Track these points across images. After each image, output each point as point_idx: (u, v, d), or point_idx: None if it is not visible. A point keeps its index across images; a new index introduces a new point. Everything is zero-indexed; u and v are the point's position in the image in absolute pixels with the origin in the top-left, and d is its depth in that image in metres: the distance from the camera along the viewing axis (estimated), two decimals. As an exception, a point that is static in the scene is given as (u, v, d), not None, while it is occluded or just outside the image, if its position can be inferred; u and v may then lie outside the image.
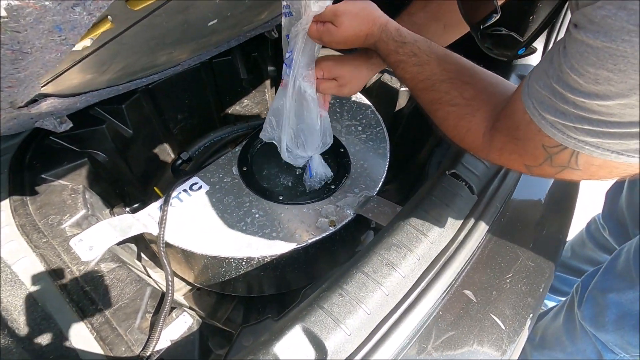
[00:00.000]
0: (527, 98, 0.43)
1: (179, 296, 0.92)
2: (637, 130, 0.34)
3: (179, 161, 1.03)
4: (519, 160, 0.48)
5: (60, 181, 0.79)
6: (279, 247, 0.78)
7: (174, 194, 0.85)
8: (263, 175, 0.93)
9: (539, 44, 0.93)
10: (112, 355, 0.59)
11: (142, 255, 0.91)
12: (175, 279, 0.78)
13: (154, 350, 0.60)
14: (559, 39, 0.88)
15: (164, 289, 0.71)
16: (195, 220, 0.81)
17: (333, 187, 0.88)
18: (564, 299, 1.16)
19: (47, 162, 0.81)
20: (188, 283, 0.94)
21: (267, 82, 1.26)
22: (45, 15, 0.35)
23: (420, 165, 1.15)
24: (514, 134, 0.46)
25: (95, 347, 0.60)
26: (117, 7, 0.47)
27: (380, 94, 1.20)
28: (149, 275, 0.80)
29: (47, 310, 0.62)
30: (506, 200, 0.71)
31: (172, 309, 0.67)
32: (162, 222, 0.78)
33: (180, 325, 0.65)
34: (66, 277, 0.66)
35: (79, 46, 0.48)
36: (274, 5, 0.86)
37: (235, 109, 1.25)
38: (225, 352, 0.64)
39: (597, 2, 0.32)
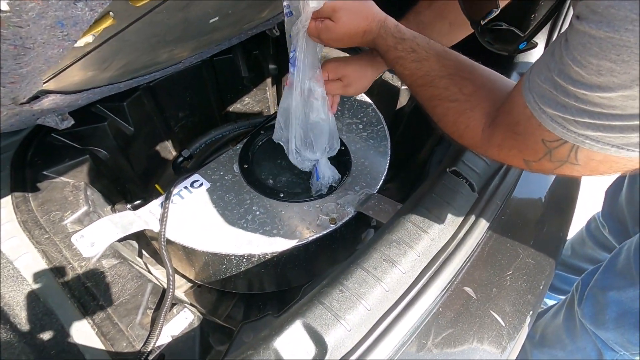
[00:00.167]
0: (528, 92, 0.42)
1: (179, 293, 0.92)
2: (638, 123, 0.34)
3: (180, 158, 1.03)
4: (518, 156, 0.48)
5: (61, 178, 0.80)
6: (279, 245, 0.78)
7: (175, 191, 0.85)
8: (264, 173, 0.93)
9: (540, 39, 0.93)
10: (113, 350, 0.60)
11: (143, 252, 0.91)
12: (176, 276, 0.79)
13: (155, 345, 0.60)
14: (560, 34, 0.88)
15: (165, 286, 0.71)
16: (196, 218, 0.82)
17: (334, 184, 0.89)
18: (563, 297, 1.16)
19: (48, 159, 0.81)
20: (189, 280, 0.94)
21: (268, 80, 1.26)
22: (47, 10, 0.35)
23: (421, 163, 1.15)
24: (513, 129, 0.46)
25: (96, 343, 0.60)
26: (118, 3, 0.47)
27: (381, 92, 1.20)
28: (150, 272, 0.80)
29: (48, 306, 0.62)
30: (507, 197, 0.72)
31: (173, 305, 0.67)
32: (163, 218, 0.78)
33: (181, 321, 0.65)
34: (68, 273, 0.66)
35: (80, 42, 0.48)
36: (275, 3, 0.86)
37: (237, 107, 1.25)
38: (226, 349, 0.65)
39: None
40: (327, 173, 0.85)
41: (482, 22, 0.57)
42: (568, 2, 0.73)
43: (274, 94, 1.29)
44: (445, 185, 0.67)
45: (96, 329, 0.61)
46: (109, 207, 0.86)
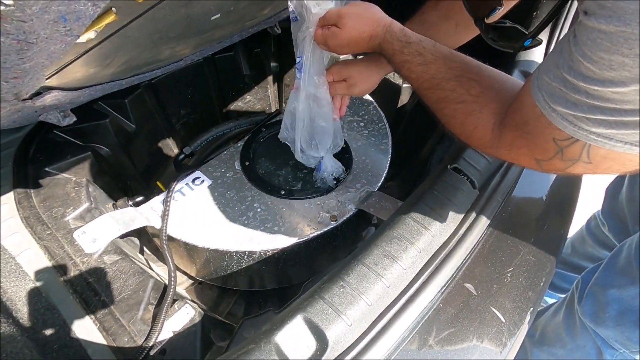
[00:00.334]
0: (537, 91, 0.42)
1: (180, 290, 0.92)
2: None
3: (182, 156, 1.03)
4: (529, 155, 0.47)
5: (64, 174, 0.80)
6: (280, 242, 0.78)
7: (177, 187, 0.86)
8: (265, 170, 0.93)
9: (543, 36, 0.92)
10: (115, 345, 0.60)
11: (145, 249, 0.91)
12: (178, 273, 0.79)
13: (157, 341, 0.61)
14: (563, 31, 0.88)
15: (166, 282, 0.71)
16: (197, 214, 0.82)
17: (335, 182, 0.89)
18: (564, 296, 1.16)
19: (50, 156, 0.82)
20: (190, 277, 0.95)
21: (270, 78, 1.27)
22: (50, 5, 0.35)
23: (422, 162, 1.15)
24: (523, 128, 0.46)
25: (98, 338, 0.60)
26: (121, -1, 0.47)
27: (382, 90, 1.19)
28: (151, 269, 0.81)
29: (51, 301, 0.62)
30: (507, 195, 0.72)
31: (174, 301, 0.67)
32: (164, 215, 0.79)
33: (182, 316, 0.65)
34: (70, 268, 0.67)
35: (83, 38, 0.49)
36: (277, 1, 0.86)
37: (238, 104, 1.25)
38: (227, 344, 0.65)
39: None
40: (330, 166, 0.87)
41: (486, 20, 0.57)
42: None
43: (275, 91, 1.29)
44: (447, 182, 0.67)
45: (98, 324, 0.62)
46: (110, 204, 0.86)
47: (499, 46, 0.58)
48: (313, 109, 0.77)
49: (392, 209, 0.79)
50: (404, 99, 1.20)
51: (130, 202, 0.85)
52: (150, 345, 0.60)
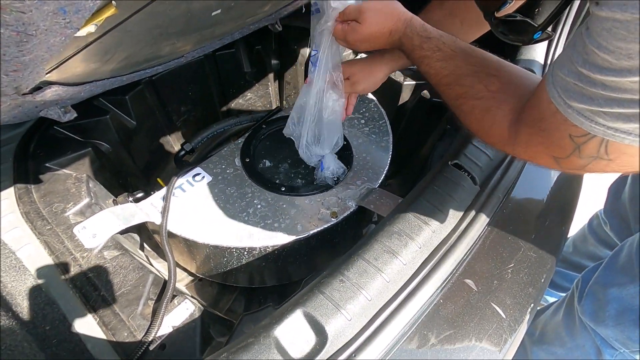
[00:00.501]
0: (552, 87, 0.41)
1: (180, 286, 0.92)
2: None
3: (182, 152, 1.03)
4: (546, 153, 0.47)
5: (64, 170, 0.80)
6: (280, 238, 0.78)
7: (177, 184, 0.85)
8: (265, 167, 0.93)
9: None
10: (114, 340, 0.60)
11: (145, 245, 0.91)
12: (178, 269, 0.79)
13: (156, 335, 0.61)
14: (565, 27, 0.88)
15: (166, 278, 0.71)
16: (197, 210, 0.82)
17: (335, 179, 0.89)
18: (564, 294, 1.15)
19: (51, 152, 0.82)
20: (190, 274, 0.95)
21: (271, 76, 1.26)
22: (50, -5, 0.35)
23: (423, 159, 1.15)
24: (539, 125, 0.45)
25: (98, 332, 0.60)
26: (121, -8, 0.47)
27: (383, 87, 1.18)
28: (151, 265, 0.81)
29: (50, 296, 0.62)
30: (509, 191, 0.71)
31: (174, 296, 0.67)
32: (165, 211, 0.79)
33: (182, 312, 0.65)
34: (70, 263, 0.67)
35: (83, 32, 0.48)
36: (277, -1, 0.86)
37: (239, 102, 1.25)
38: (227, 339, 0.65)
39: None
40: (332, 165, 0.87)
41: (496, 14, 0.56)
42: None
43: (276, 89, 1.29)
44: (447, 178, 0.67)
45: (97, 319, 0.62)
46: (110, 200, 0.86)
47: (509, 40, 0.57)
48: (326, 103, 0.77)
49: (393, 205, 0.79)
50: (405, 96, 1.19)
51: (130, 198, 0.85)
52: (149, 340, 0.60)
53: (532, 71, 0.84)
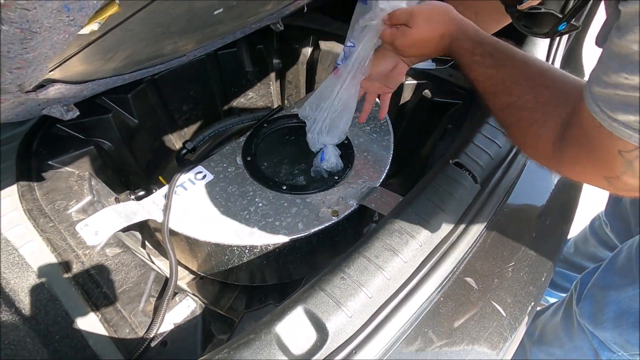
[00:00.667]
0: (592, 104, 0.39)
1: (182, 284, 0.92)
2: None
3: (184, 151, 1.03)
4: (595, 173, 0.43)
5: (66, 168, 0.81)
6: (281, 236, 0.78)
7: (179, 182, 0.86)
8: (267, 165, 0.93)
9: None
10: (116, 336, 0.60)
11: (147, 243, 0.92)
12: (179, 267, 0.79)
13: (158, 332, 0.61)
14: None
15: (168, 276, 0.71)
16: (199, 209, 0.82)
17: (336, 177, 0.89)
18: (565, 295, 1.15)
19: (53, 149, 0.82)
20: (191, 272, 0.95)
21: (272, 75, 1.27)
22: (54, -7, 0.36)
23: (424, 159, 1.15)
24: (583, 141, 0.42)
25: (99, 329, 0.61)
26: (124, -10, 0.47)
27: (384, 87, 1.20)
28: (152, 263, 0.81)
29: (53, 292, 0.63)
30: (509, 190, 0.72)
31: (175, 293, 0.68)
32: (166, 209, 0.79)
33: (183, 309, 0.65)
34: (72, 261, 0.67)
35: (86, 30, 0.49)
36: (279, -2, 0.86)
37: (240, 101, 1.25)
38: (228, 337, 0.65)
39: None
40: (332, 159, 0.88)
41: (519, 7, 0.53)
42: None
43: (278, 88, 1.29)
44: (448, 177, 0.67)
45: (99, 316, 0.62)
46: (112, 198, 0.86)
47: (532, 33, 0.55)
48: (349, 97, 0.78)
49: (394, 204, 0.79)
50: (407, 96, 1.20)
51: (132, 196, 0.85)
52: (151, 336, 0.60)
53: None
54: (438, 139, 1.09)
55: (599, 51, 0.39)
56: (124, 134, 0.97)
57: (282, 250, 0.80)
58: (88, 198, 0.76)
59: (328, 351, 0.48)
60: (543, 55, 0.90)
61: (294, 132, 1.00)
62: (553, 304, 1.21)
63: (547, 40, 0.92)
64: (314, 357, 0.47)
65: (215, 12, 0.74)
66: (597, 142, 0.40)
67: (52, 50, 0.46)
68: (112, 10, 0.49)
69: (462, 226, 0.63)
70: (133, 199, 0.84)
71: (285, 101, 1.30)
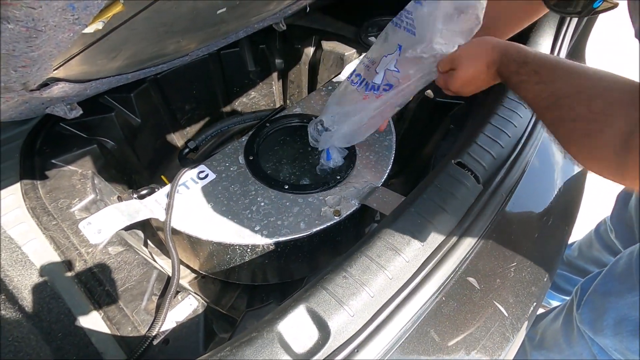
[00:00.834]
0: None
1: (184, 283, 0.93)
2: None
3: (186, 150, 1.04)
4: None
5: (69, 166, 0.81)
6: (283, 236, 0.78)
7: (181, 181, 0.86)
8: (269, 165, 0.93)
9: (548, 38, 0.92)
10: (118, 334, 0.60)
11: (149, 242, 0.92)
12: (181, 266, 0.79)
13: (160, 330, 0.61)
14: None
15: (170, 274, 0.72)
16: (201, 208, 0.82)
17: (338, 177, 0.89)
18: (568, 298, 1.15)
19: (57, 148, 0.82)
20: (193, 271, 0.95)
21: (275, 75, 1.27)
22: (59, -9, 0.36)
23: (426, 159, 1.15)
24: None
25: (102, 327, 0.61)
26: (128, -11, 0.47)
27: (386, 87, 1.20)
28: (155, 261, 0.81)
29: (56, 290, 0.63)
30: (512, 190, 0.71)
31: (178, 292, 0.68)
32: (168, 207, 0.79)
33: (185, 307, 0.66)
34: (75, 258, 0.67)
35: (90, 29, 0.49)
36: (282, -2, 0.86)
37: (242, 100, 1.26)
38: (229, 335, 0.65)
39: None
40: (337, 159, 0.91)
41: None
42: None
43: (280, 88, 1.30)
44: (451, 177, 0.67)
45: (102, 314, 0.62)
46: (115, 197, 0.87)
47: (565, 13, 0.54)
48: (383, 118, 0.84)
49: (396, 204, 0.79)
50: (409, 96, 1.20)
51: (135, 195, 0.85)
52: (153, 334, 0.60)
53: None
54: (440, 139, 1.09)
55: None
56: (126, 133, 0.98)
57: (283, 249, 0.80)
58: (91, 196, 0.77)
59: (330, 350, 0.48)
60: (548, 47, 0.89)
61: (296, 132, 1.01)
62: (555, 308, 1.20)
63: (551, 39, 0.92)
64: (316, 356, 0.47)
65: (219, 12, 0.75)
66: None
67: (56, 48, 0.46)
68: (116, 9, 0.49)
69: (464, 226, 0.63)
70: (135, 198, 0.84)
71: (288, 101, 1.31)
